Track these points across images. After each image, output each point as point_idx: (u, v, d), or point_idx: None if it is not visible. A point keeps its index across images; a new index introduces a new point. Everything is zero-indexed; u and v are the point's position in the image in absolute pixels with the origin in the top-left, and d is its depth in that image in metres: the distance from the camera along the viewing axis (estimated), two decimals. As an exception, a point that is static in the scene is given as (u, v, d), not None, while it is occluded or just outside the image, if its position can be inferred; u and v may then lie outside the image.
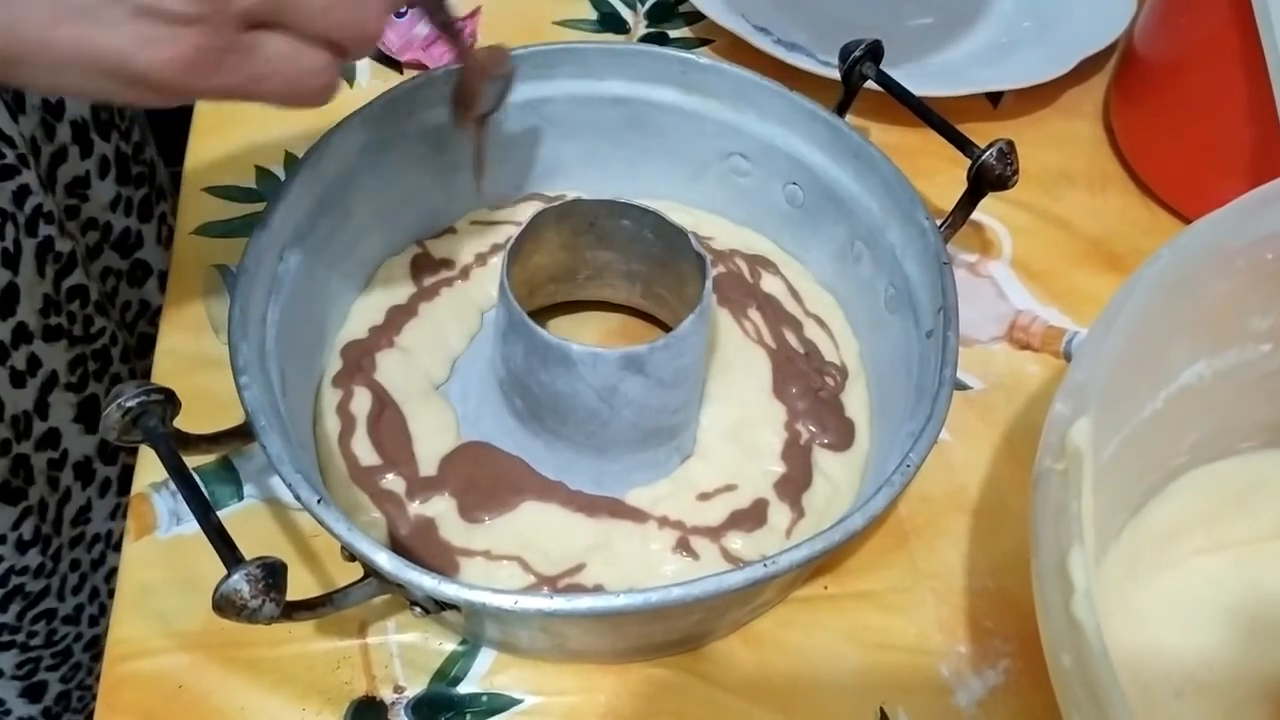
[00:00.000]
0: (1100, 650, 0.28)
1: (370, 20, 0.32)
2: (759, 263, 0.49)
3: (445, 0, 0.40)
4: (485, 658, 0.40)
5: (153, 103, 0.30)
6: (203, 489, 0.33)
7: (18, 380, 0.54)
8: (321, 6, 0.31)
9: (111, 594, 0.62)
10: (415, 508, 0.41)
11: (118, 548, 0.62)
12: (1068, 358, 0.50)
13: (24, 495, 0.56)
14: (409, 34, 0.60)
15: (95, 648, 0.65)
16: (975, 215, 0.46)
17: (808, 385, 0.45)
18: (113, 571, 0.63)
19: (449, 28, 0.41)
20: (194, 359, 0.47)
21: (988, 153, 0.44)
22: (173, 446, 0.35)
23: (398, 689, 0.40)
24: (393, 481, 0.42)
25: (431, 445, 0.43)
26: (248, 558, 0.31)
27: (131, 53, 0.28)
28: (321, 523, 0.34)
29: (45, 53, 0.28)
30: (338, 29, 0.31)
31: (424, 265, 0.48)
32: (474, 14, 0.62)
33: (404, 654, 0.40)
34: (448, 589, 0.33)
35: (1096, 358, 0.34)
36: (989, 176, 0.44)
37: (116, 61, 0.28)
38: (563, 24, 0.62)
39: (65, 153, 0.57)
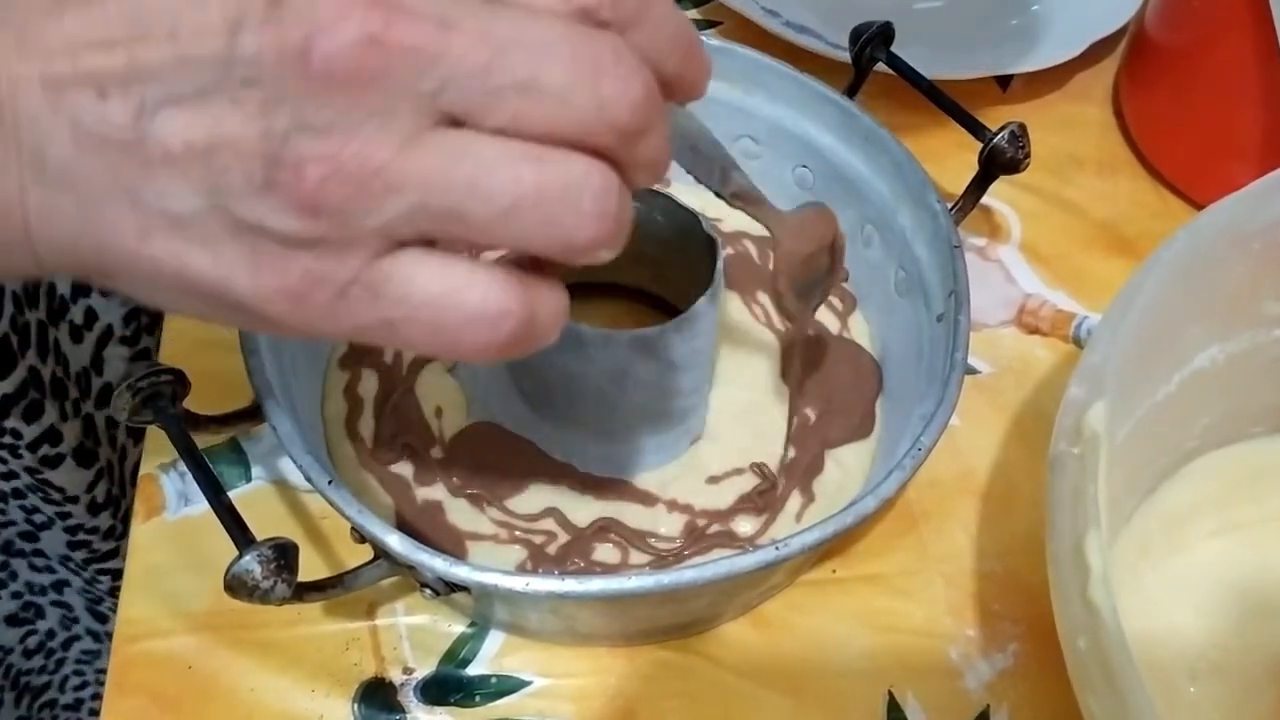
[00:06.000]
0: (1117, 633, 0.28)
1: (585, 223, 0.22)
2: (768, 245, 0.49)
3: (730, 174, 0.33)
4: (494, 640, 0.40)
5: (274, 333, 0.25)
6: (213, 470, 0.33)
7: (76, 335, 0.53)
8: (500, 211, 0.22)
9: None
10: (423, 491, 0.41)
11: None
12: (1077, 342, 0.50)
13: (96, 457, 0.55)
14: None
15: None
16: (984, 199, 0.46)
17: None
18: None
19: (745, 197, 0.34)
20: (203, 340, 0.46)
21: (999, 135, 0.43)
22: (183, 427, 0.35)
23: (407, 670, 0.40)
24: (400, 464, 0.42)
25: (440, 427, 0.43)
26: (258, 539, 0.31)
27: (228, 278, 0.22)
28: (332, 504, 0.34)
29: (135, 268, 0.23)
30: (529, 238, 0.23)
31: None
32: None
33: (413, 636, 0.40)
34: (459, 571, 0.33)
35: (1112, 340, 0.34)
36: (1000, 159, 0.44)
37: (213, 286, 0.22)
38: (569, 5, 0.62)
39: None
